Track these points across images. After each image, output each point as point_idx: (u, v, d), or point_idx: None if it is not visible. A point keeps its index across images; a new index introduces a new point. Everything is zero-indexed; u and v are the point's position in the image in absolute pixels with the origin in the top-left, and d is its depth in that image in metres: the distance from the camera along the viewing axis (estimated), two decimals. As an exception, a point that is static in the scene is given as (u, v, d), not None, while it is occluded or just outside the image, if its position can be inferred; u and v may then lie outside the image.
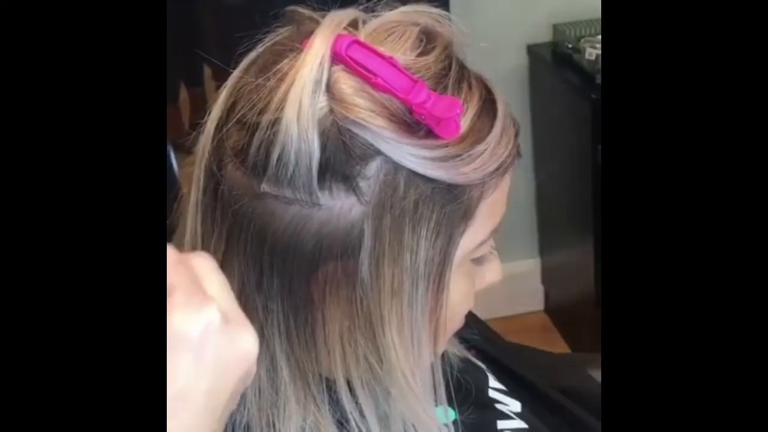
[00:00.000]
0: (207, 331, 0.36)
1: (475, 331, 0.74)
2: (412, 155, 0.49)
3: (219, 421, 0.38)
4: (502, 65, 1.70)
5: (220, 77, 0.57)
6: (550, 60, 1.65)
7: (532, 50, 1.70)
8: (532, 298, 1.90)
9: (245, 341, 0.38)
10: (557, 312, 1.88)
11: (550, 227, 1.84)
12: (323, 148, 0.48)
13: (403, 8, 0.53)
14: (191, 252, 0.40)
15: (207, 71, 2.30)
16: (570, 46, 1.59)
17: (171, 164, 1.73)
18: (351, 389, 0.54)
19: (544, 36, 1.68)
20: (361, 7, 0.54)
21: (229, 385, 0.38)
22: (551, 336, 1.85)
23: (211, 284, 0.39)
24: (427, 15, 0.53)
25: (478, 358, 0.73)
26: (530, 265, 1.88)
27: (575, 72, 1.55)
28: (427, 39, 0.52)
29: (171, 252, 0.39)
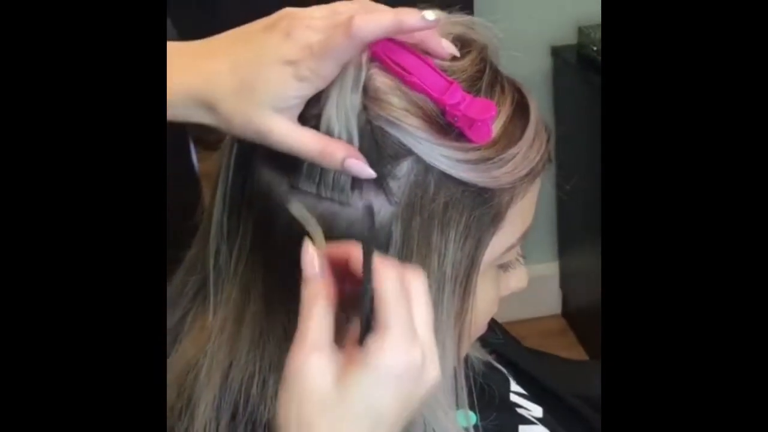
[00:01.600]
0: (409, 368, 0.42)
1: (498, 335, 0.73)
2: (444, 157, 0.49)
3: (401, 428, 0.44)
4: (526, 67, 1.68)
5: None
6: (575, 62, 1.64)
7: (557, 52, 1.69)
8: (550, 302, 1.89)
9: (433, 374, 0.44)
10: (575, 316, 1.87)
11: (570, 231, 1.82)
12: (357, 147, 0.48)
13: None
14: (407, 267, 0.45)
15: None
16: (595, 48, 1.58)
17: (191, 160, 1.72)
18: None
19: (569, 38, 1.66)
20: None
21: (413, 405, 0.44)
22: (568, 340, 1.83)
23: (419, 316, 0.44)
24: (460, 24, 0.53)
25: (499, 362, 0.73)
26: (549, 269, 1.87)
27: (600, 74, 1.54)
28: (461, 45, 0.52)
29: (397, 275, 0.44)
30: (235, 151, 0.52)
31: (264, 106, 0.47)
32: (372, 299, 0.43)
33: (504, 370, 0.73)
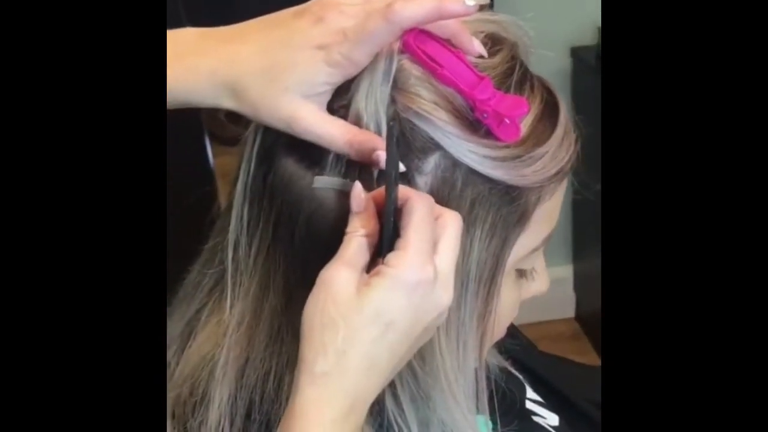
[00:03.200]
0: (420, 283, 0.45)
1: (516, 340, 0.72)
2: (472, 152, 0.48)
3: (411, 351, 0.47)
4: (545, 67, 1.67)
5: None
6: (594, 63, 1.62)
7: (576, 53, 1.67)
8: (563, 305, 1.87)
9: (443, 296, 0.46)
10: (588, 320, 1.85)
11: (584, 234, 1.81)
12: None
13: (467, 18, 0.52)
14: (448, 211, 0.47)
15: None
16: (616, 49, 1.57)
17: (206, 155, 1.72)
18: (395, 393, 0.52)
19: (589, 39, 1.65)
20: None
21: (423, 323, 0.46)
22: (581, 344, 1.82)
23: (443, 250, 0.46)
24: (491, 23, 0.52)
25: (515, 368, 0.71)
26: (563, 272, 1.85)
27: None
28: (492, 42, 0.51)
29: (428, 206, 0.46)
30: (257, 141, 0.51)
31: (292, 92, 0.46)
32: (395, 221, 0.45)
33: (520, 377, 0.71)
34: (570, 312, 1.89)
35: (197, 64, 0.48)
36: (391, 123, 0.46)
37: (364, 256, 0.45)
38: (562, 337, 1.82)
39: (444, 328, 0.50)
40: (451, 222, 0.46)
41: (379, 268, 0.45)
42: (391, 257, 0.45)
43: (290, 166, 0.50)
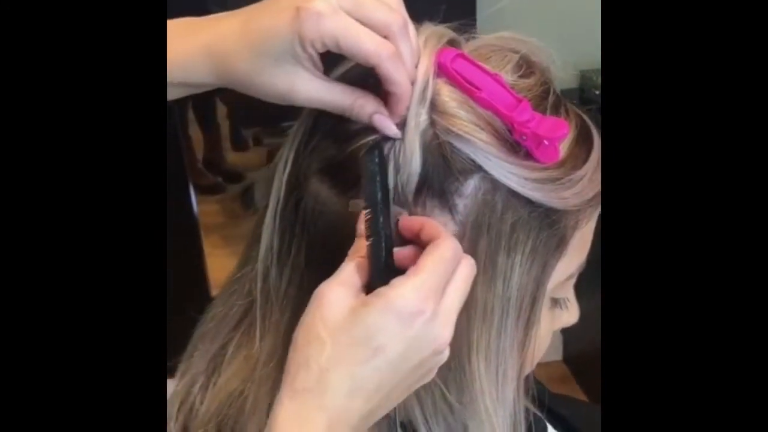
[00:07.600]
0: (418, 315, 0.43)
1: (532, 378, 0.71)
2: (513, 174, 0.47)
3: (405, 385, 0.45)
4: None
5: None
6: (577, 106, 1.64)
7: (558, 96, 1.70)
8: (550, 348, 1.86)
9: (442, 333, 0.44)
10: (576, 362, 1.84)
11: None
12: (423, 162, 0.46)
13: (499, 34, 0.52)
14: (465, 256, 0.45)
15: (221, 109, 2.30)
16: (597, 92, 1.59)
17: (191, 203, 1.70)
18: (428, 425, 0.50)
19: (570, 82, 1.67)
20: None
21: (416, 357, 0.44)
22: (569, 387, 1.80)
23: (451, 291, 0.44)
24: (523, 43, 0.52)
25: (533, 406, 0.70)
26: (549, 314, 1.85)
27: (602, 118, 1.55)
28: (526, 65, 0.51)
29: (456, 248, 0.45)
30: (288, 168, 0.50)
31: (282, 62, 0.44)
32: (385, 249, 0.44)
33: (540, 414, 0.70)
34: (557, 354, 1.88)
35: (192, 41, 0.46)
36: (372, 143, 0.45)
37: (362, 276, 0.44)
38: (551, 379, 1.80)
39: (484, 356, 0.49)
40: (464, 266, 0.45)
41: (381, 289, 0.43)
42: (396, 280, 0.43)
43: (324, 191, 0.48)
